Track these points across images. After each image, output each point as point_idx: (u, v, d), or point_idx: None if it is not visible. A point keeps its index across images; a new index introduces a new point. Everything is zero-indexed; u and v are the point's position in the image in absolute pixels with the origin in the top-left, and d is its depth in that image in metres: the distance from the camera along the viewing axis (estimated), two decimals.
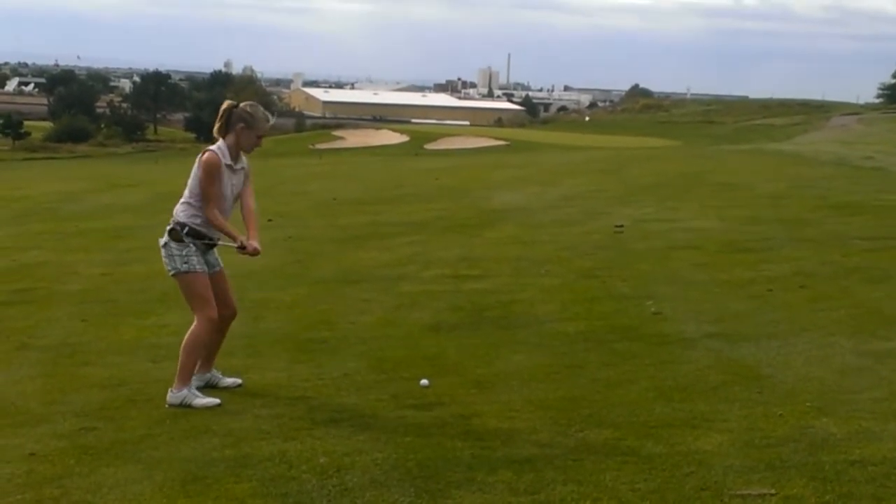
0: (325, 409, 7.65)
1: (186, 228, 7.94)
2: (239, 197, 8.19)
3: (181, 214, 7.98)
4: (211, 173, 7.87)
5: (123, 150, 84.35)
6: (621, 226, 17.96)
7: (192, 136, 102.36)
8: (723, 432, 6.82)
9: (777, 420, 7.08)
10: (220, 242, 8.13)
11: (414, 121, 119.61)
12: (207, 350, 8.25)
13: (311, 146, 72.58)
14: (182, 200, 8.02)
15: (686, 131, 75.46)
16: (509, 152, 56.96)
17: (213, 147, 7.99)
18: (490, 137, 73.04)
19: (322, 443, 6.78)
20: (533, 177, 31.12)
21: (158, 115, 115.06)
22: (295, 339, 10.25)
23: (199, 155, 8.01)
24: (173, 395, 7.87)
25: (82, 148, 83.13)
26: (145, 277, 13.89)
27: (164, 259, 8.03)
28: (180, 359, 7.96)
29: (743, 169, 31.21)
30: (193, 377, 8.13)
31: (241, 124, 7.98)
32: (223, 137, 8.03)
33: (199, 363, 8.19)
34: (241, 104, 8.12)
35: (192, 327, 8.03)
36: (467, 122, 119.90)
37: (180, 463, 6.47)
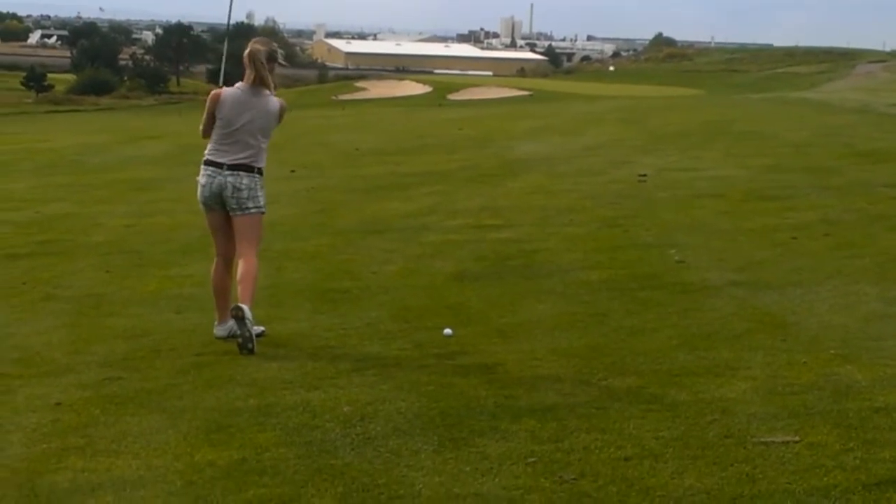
0: (349, 358, 7.66)
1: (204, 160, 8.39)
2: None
3: None
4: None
5: (146, 103, 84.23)
6: (644, 175, 17.90)
7: (215, 87, 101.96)
8: (746, 380, 6.81)
9: (801, 367, 7.06)
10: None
11: (437, 71, 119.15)
12: (222, 295, 8.41)
13: (333, 97, 72.49)
14: None
15: (710, 80, 75.07)
16: (532, 102, 56.79)
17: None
18: (513, 88, 72.79)
19: (345, 392, 6.80)
20: (556, 126, 31.04)
21: (181, 67, 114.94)
22: (318, 289, 10.26)
23: None
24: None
25: (105, 100, 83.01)
26: (169, 229, 13.91)
27: None
28: None
29: (767, 117, 31.06)
30: (217, 327, 8.29)
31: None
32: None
33: (218, 312, 8.40)
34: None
35: None
36: (490, 73, 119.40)
37: (204, 412, 6.50)
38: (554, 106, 46.92)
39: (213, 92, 8.42)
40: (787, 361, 7.22)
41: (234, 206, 8.22)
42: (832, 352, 7.39)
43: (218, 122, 8.26)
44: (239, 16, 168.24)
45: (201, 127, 8.43)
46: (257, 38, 8.63)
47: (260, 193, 8.29)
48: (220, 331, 8.31)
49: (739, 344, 7.73)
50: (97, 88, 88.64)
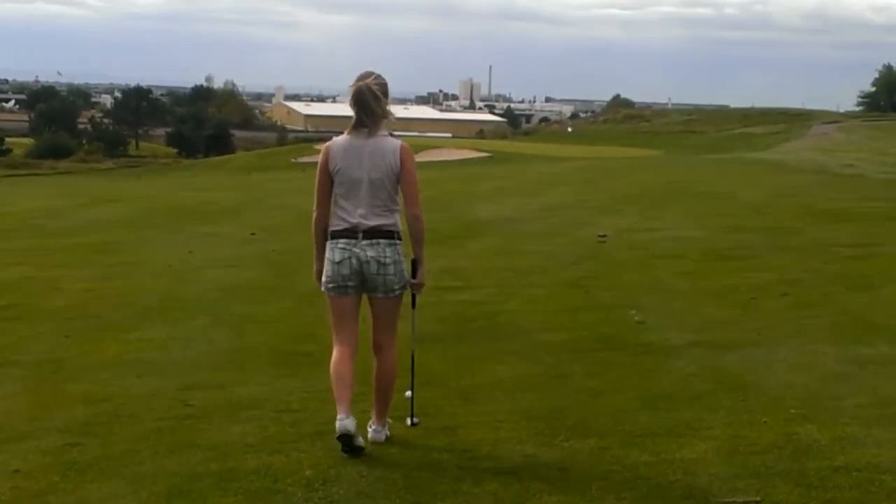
0: (311, 421, 7.63)
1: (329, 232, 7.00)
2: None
3: None
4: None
5: (105, 166, 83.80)
6: (604, 235, 18.00)
7: (174, 151, 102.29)
8: (707, 440, 6.84)
9: (761, 427, 7.10)
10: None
11: (396, 133, 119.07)
12: (347, 386, 6.91)
13: (293, 160, 72.27)
14: None
15: (667, 141, 75.55)
16: (492, 164, 56.96)
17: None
18: (472, 149, 72.83)
19: (308, 455, 6.77)
20: (516, 188, 31.18)
21: (140, 131, 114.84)
22: (279, 352, 10.23)
23: None
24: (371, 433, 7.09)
25: (64, 164, 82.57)
26: (129, 293, 13.85)
27: None
28: None
29: (725, 178, 31.33)
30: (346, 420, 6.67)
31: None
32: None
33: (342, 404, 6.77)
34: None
35: None
36: (449, 135, 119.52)
37: (165, 478, 6.46)
38: (513, 167, 47.10)
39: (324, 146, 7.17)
40: (747, 421, 7.26)
41: (381, 286, 7.10)
42: (792, 411, 7.45)
43: (336, 180, 6.99)
44: (198, 79, 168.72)
45: (315, 196, 7.04)
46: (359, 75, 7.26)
47: (404, 267, 7.11)
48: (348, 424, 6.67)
49: (700, 404, 7.77)
50: (56, 152, 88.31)
